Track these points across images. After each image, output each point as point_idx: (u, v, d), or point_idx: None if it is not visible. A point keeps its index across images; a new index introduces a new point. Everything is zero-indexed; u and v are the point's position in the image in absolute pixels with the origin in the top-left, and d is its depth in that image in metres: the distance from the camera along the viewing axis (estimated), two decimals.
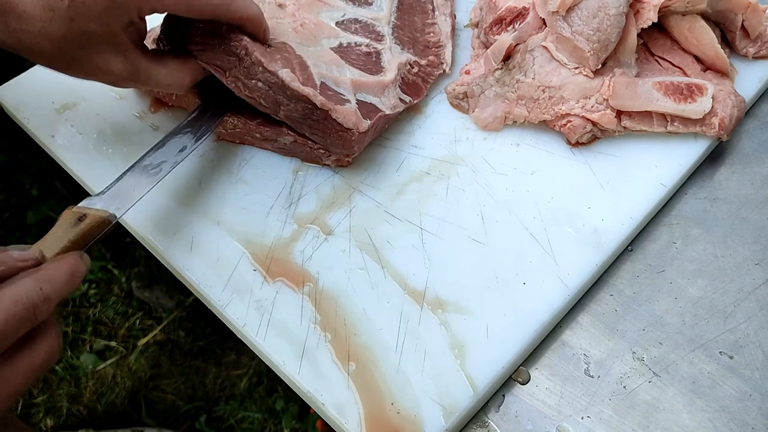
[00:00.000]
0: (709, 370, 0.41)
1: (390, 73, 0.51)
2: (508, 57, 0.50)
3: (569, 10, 0.48)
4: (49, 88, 0.55)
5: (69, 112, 0.54)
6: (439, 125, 0.51)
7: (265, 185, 0.49)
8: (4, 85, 0.56)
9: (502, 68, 0.50)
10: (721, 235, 0.47)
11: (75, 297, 1.32)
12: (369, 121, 0.47)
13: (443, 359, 0.41)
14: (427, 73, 0.53)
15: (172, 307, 1.28)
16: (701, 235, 0.47)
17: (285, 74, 0.44)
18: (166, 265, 0.47)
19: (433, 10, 0.58)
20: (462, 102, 0.52)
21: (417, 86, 0.52)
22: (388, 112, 0.49)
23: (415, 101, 0.51)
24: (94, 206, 0.40)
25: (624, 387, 0.41)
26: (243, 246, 0.46)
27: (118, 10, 0.40)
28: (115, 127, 0.53)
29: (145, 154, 0.45)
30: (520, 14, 0.51)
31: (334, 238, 0.46)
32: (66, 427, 1.20)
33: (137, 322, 1.29)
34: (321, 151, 0.48)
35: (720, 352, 0.42)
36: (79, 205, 0.40)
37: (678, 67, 0.50)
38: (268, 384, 1.19)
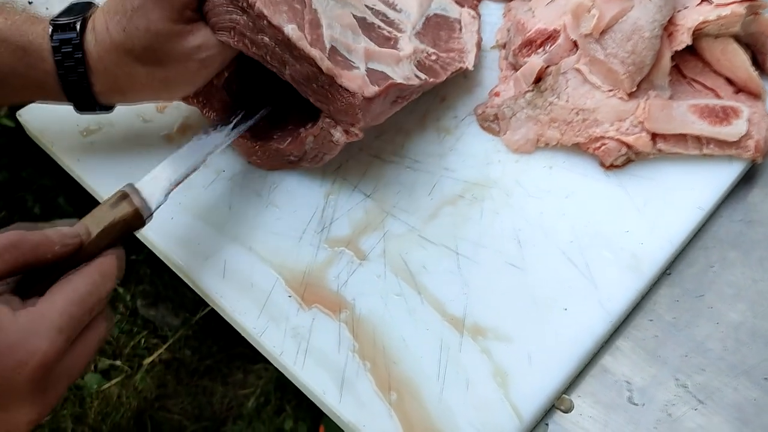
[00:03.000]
0: (754, 396, 0.41)
1: (406, 51, 0.49)
2: (538, 79, 0.50)
3: (603, 32, 0.47)
4: (72, 111, 0.55)
5: (94, 135, 0.53)
6: (470, 147, 0.51)
7: (296, 209, 0.48)
8: (26, 107, 0.55)
9: (533, 90, 0.50)
10: (758, 259, 0.46)
11: None
12: (377, 87, 0.44)
13: (486, 388, 0.40)
14: (447, 63, 0.52)
15: (177, 326, 1.27)
16: (738, 258, 0.46)
17: (291, 31, 0.42)
18: (198, 292, 0.46)
19: (460, 29, 0.57)
20: (492, 124, 0.51)
21: (434, 70, 0.51)
22: (400, 81, 0.46)
23: (431, 81, 0.49)
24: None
25: (669, 415, 0.41)
26: (276, 271, 0.45)
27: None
28: (142, 150, 0.52)
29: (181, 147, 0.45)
30: (550, 36, 0.51)
31: (368, 263, 0.46)
32: None
33: (142, 340, 1.27)
34: (327, 120, 0.46)
35: (764, 378, 0.41)
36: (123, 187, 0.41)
37: (710, 89, 0.50)
38: (276, 403, 1.18)
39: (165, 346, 1.26)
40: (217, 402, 1.20)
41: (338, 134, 0.46)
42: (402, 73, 0.47)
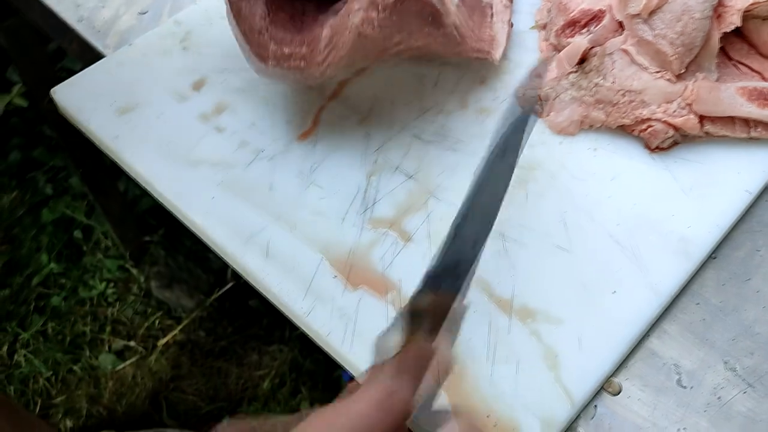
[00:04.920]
0: None
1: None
2: (582, 60, 0.49)
3: (652, 12, 0.47)
4: (106, 89, 0.54)
5: (130, 114, 0.53)
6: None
7: (338, 189, 0.48)
8: (60, 85, 0.55)
9: (576, 71, 0.49)
10: None
11: (92, 296, 1.31)
12: None
13: (537, 370, 0.40)
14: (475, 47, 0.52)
15: (192, 307, 1.27)
16: None
17: None
18: (239, 272, 0.46)
19: (492, 15, 0.56)
20: (535, 105, 0.51)
21: (464, 42, 0.51)
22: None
23: (457, 41, 0.50)
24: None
25: (718, 398, 0.41)
26: (320, 252, 0.45)
27: None
28: (178, 130, 0.52)
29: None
30: (595, 17, 0.50)
31: (413, 244, 0.45)
32: (86, 428, 1.19)
33: (157, 321, 1.27)
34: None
35: None
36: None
37: (757, 72, 0.49)
38: (291, 385, 1.18)
39: (179, 327, 1.26)
40: (232, 383, 1.21)
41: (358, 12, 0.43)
42: None
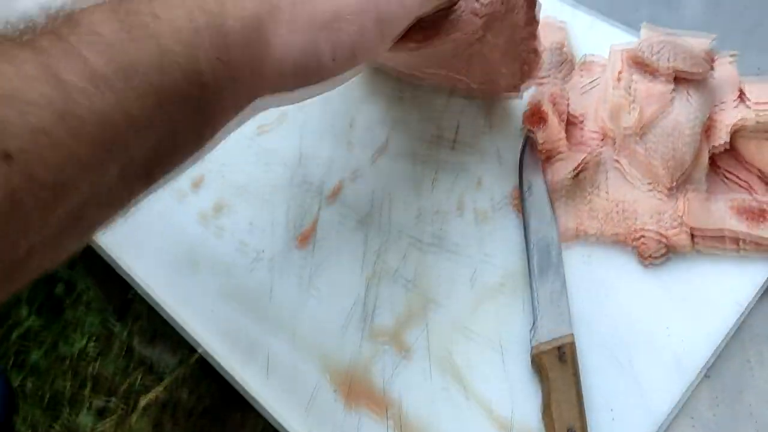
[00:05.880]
0: None
1: None
2: (577, 169, 0.50)
3: (643, 128, 0.48)
4: None
5: (127, 216, 0.53)
6: (508, 233, 0.51)
7: (338, 296, 0.48)
8: None
9: (571, 181, 0.50)
10: None
11: (73, 352, 1.29)
12: None
13: None
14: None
15: (174, 364, 1.25)
16: None
17: None
18: (243, 394, 0.45)
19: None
20: None
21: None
22: None
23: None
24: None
25: None
26: (321, 365, 0.45)
27: None
28: (178, 231, 0.52)
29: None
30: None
31: (413, 356, 0.46)
32: None
33: (138, 378, 1.25)
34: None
35: None
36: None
37: (744, 183, 0.51)
38: None
39: (162, 386, 1.24)
40: None
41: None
42: None
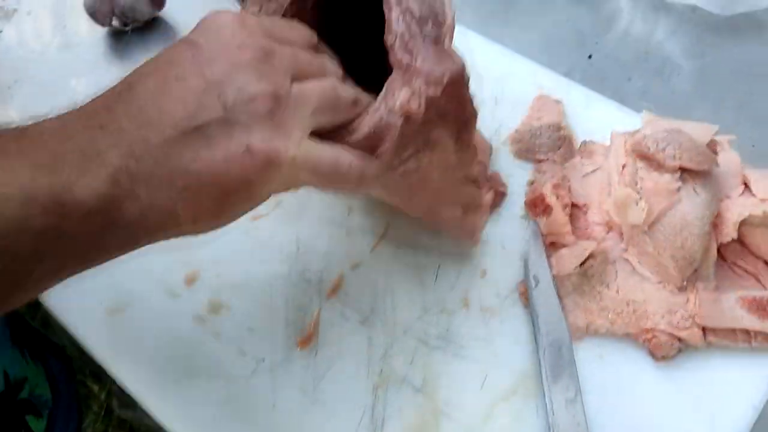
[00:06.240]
0: None
1: None
2: (583, 261, 0.49)
3: (651, 225, 0.47)
4: (96, 288, 0.52)
5: (119, 316, 0.50)
6: (517, 330, 0.50)
7: (344, 406, 0.46)
8: None
9: (578, 274, 0.49)
10: None
11: None
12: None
13: None
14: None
15: (155, 427, 1.21)
16: None
17: None
18: None
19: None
20: None
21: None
22: None
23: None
24: None
25: None
26: None
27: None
28: (173, 335, 0.50)
29: None
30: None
31: None
32: None
33: None
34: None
35: None
36: None
37: (752, 274, 0.50)
38: None
39: None
40: None
41: (403, 95, 0.37)
42: None
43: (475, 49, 0.65)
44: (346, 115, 0.38)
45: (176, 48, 0.34)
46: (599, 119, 0.60)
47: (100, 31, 0.73)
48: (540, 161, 0.58)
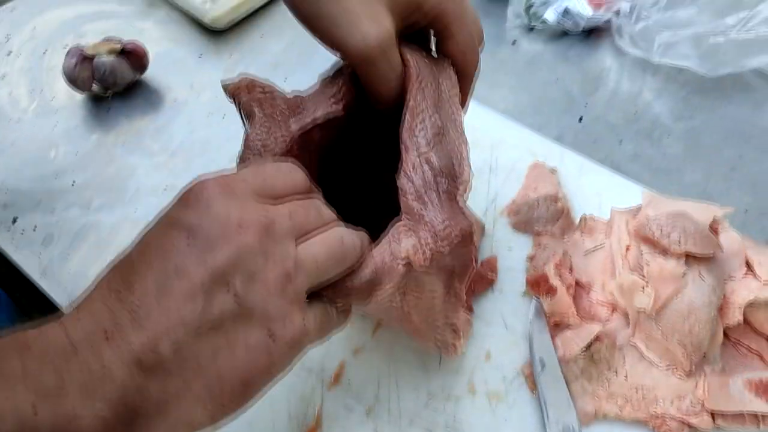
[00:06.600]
0: None
1: None
2: (589, 344, 0.49)
3: (658, 310, 0.47)
4: None
5: None
6: (525, 416, 0.49)
7: None
8: None
9: (584, 358, 0.49)
10: None
11: None
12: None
13: None
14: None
15: None
16: None
17: None
18: None
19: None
20: None
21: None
22: None
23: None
24: None
25: None
26: None
27: None
28: None
29: None
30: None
31: None
32: None
33: None
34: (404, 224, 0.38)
35: None
36: None
37: (755, 352, 0.50)
38: None
39: None
40: None
41: (409, 244, 0.36)
42: None
43: (467, 114, 0.64)
44: (351, 263, 0.35)
45: (167, 234, 0.30)
46: (594, 187, 0.60)
47: (79, 97, 0.71)
48: (539, 234, 0.58)
